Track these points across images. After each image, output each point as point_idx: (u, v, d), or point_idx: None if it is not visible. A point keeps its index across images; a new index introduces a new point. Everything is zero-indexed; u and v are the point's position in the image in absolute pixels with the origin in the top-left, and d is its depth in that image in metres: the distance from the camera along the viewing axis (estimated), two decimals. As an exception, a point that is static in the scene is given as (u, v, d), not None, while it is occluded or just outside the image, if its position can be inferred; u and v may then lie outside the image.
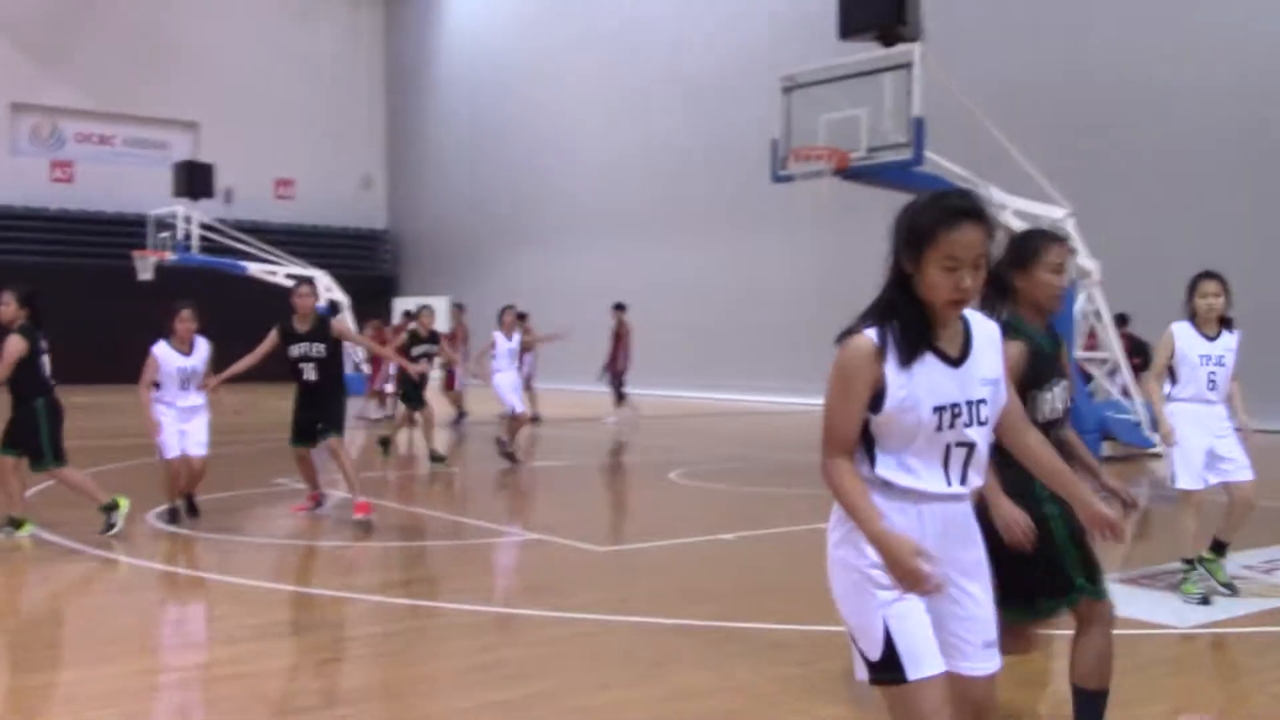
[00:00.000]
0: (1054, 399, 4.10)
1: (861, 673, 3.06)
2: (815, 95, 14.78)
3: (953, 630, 3.05)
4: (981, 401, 2.97)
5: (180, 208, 28.33)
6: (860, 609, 2.98)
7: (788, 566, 8.19)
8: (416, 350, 14.92)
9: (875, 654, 2.98)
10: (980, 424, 2.98)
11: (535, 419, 19.64)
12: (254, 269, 27.48)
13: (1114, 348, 16.01)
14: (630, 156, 30.93)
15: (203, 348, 9.74)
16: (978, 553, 3.11)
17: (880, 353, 2.90)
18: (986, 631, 3.11)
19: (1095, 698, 4.17)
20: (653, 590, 7.41)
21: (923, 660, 2.94)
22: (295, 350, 9.69)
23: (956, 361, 2.95)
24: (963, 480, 3.01)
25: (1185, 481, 6.92)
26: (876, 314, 2.97)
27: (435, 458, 14.06)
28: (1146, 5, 20.52)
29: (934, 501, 2.99)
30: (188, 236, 28.18)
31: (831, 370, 2.95)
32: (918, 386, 2.90)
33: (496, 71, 36.46)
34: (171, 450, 9.53)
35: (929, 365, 2.93)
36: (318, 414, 9.78)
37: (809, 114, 14.73)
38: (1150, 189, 19.90)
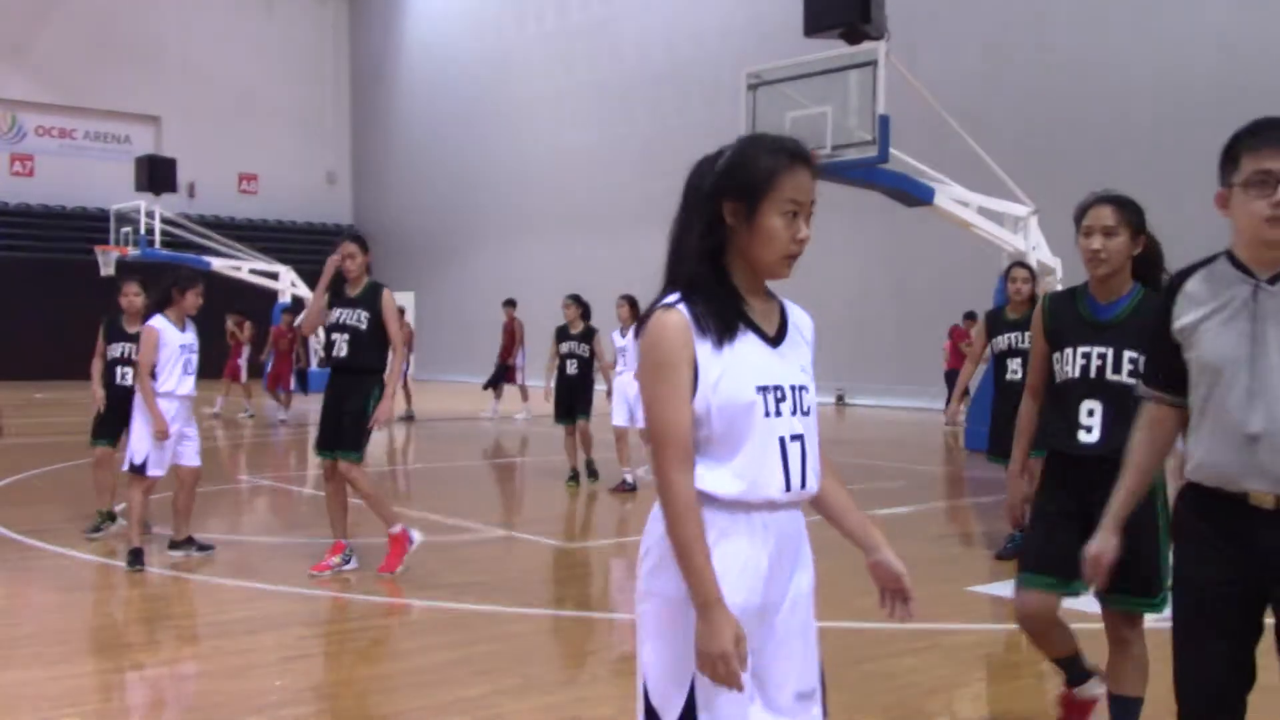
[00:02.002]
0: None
1: None
2: (781, 93, 14.82)
3: (766, 671, 2.53)
4: (803, 389, 2.55)
5: (142, 202, 28.06)
6: (669, 655, 2.46)
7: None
8: (563, 348, 12.24)
9: (672, 713, 2.46)
10: (805, 414, 2.54)
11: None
12: (217, 264, 27.26)
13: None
14: (594, 153, 30.94)
15: (192, 329, 8.36)
16: (810, 576, 2.64)
17: (691, 330, 2.45)
18: (804, 679, 2.61)
19: (1136, 704, 4.12)
20: (624, 586, 7.42)
21: None
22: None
23: (774, 340, 2.55)
24: (803, 483, 2.53)
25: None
26: (680, 287, 2.52)
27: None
28: (1110, 2, 20.70)
29: (769, 511, 2.50)
30: (150, 231, 27.93)
31: (641, 360, 2.49)
32: (737, 364, 2.46)
33: (462, 67, 36.35)
34: (156, 466, 8.04)
35: (747, 341, 2.50)
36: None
37: (774, 111, 14.76)
38: (1114, 186, 20.02)
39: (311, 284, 27.96)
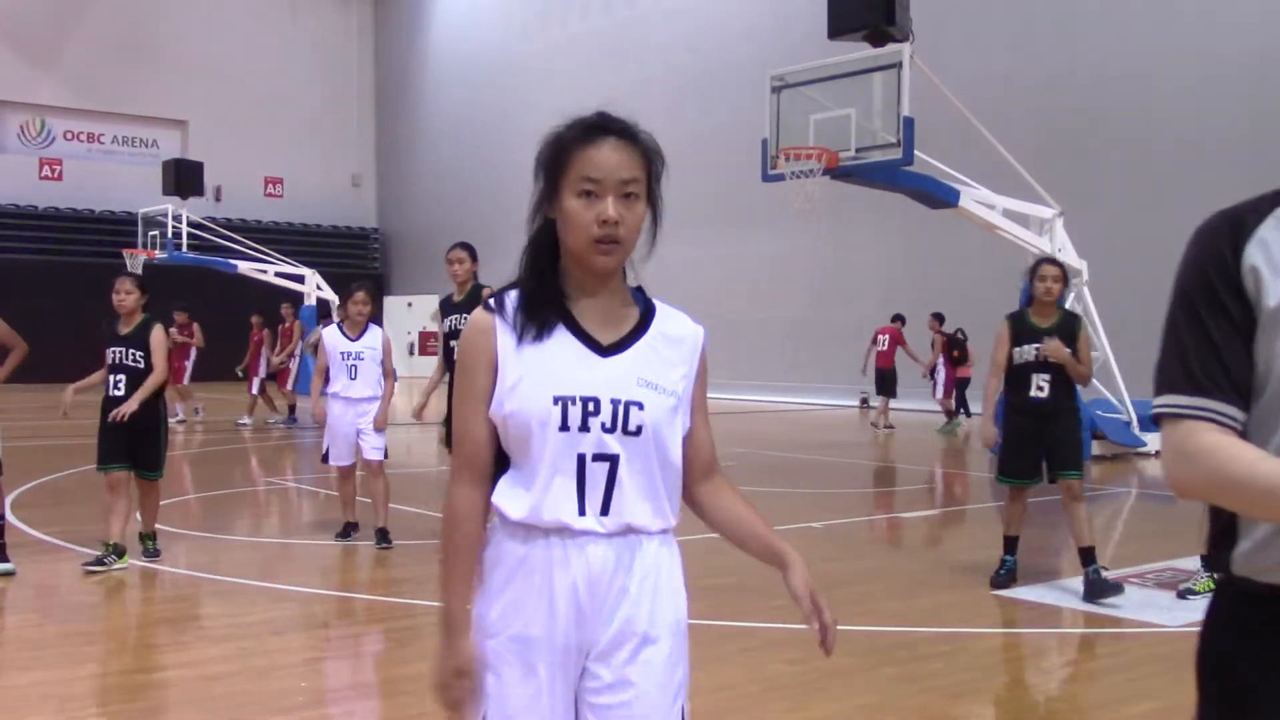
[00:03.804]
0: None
1: None
2: (805, 95, 14.81)
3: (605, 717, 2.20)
4: (635, 404, 2.17)
5: (169, 206, 28.22)
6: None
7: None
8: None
9: None
10: (628, 433, 2.16)
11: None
12: (244, 267, 27.39)
13: (1104, 347, 16.05)
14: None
15: (375, 335, 8.87)
16: (666, 614, 2.23)
17: (495, 324, 2.21)
18: None
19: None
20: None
21: None
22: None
23: (606, 348, 2.21)
24: (604, 510, 2.16)
25: None
26: (519, 282, 2.29)
27: None
28: (1134, 2, 20.58)
29: (569, 538, 2.17)
30: (177, 234, 28.08)
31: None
32: (538, 370, 2.17)
33: (486, 70, 36.43)
34: (340, 456, 8.88)
35: (560, 344, 2.19)
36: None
37: (798, 114, 14.76)
38: (1140, 188, 19.94)
39: (336, 286, 28.10)
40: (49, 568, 7.94)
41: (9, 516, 8.30)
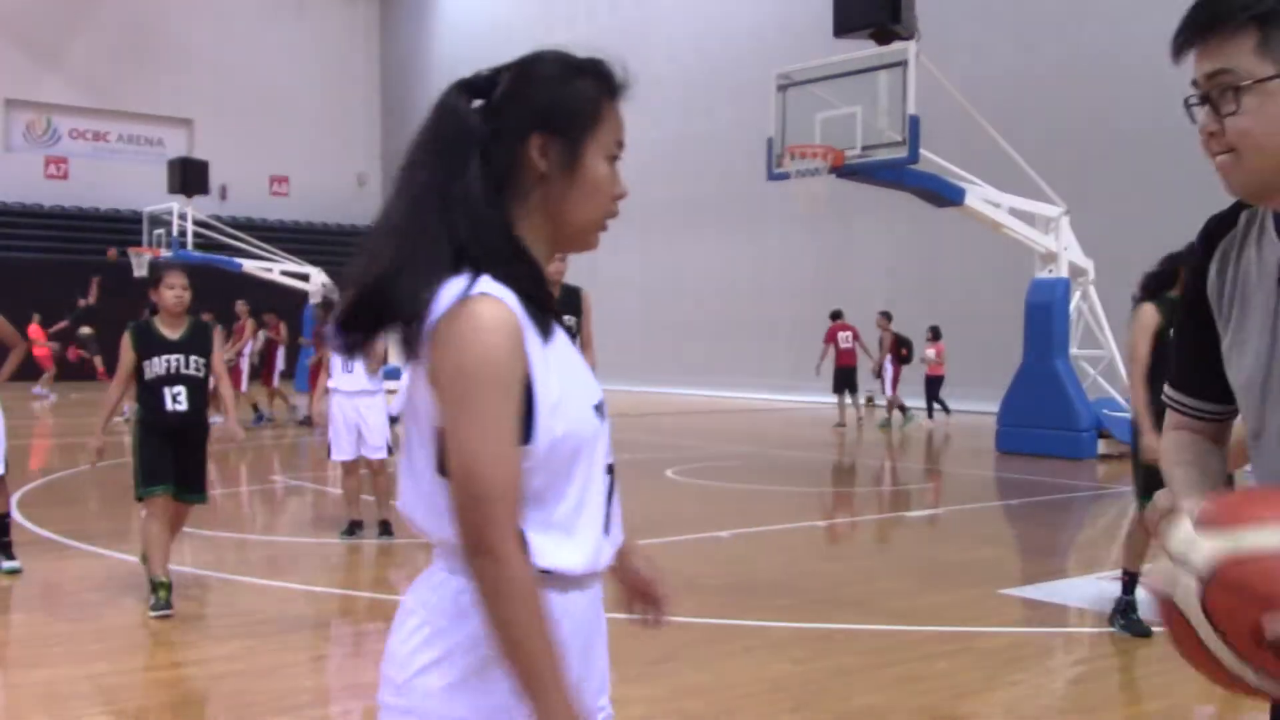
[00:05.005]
0: None
1: None
2: (810, 94, 14.81)
3: None
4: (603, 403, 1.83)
5: (175, 204, 28.27)
6: None
7: (784, 564, 8.19)
8: None
9: None
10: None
11: None
12: (249, 266, 27.42)
13: (1110, 345, 16.04)
14: (625, 154, 30.94)
15: None
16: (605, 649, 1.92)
17: (519, 323, 1.67)
18: None
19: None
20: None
21: None
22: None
23: (574, 335, 1.82)
24: (608, 533, 1.82)
25: None
26: (492, 262, 1.70)
27: None
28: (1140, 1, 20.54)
29: (590, 584, 1.80)
30: (182, 233, 28.12)
31: (447, 372, 1.64)
32: (565, 373, 1.74)
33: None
34: (342, 451, 8.83)
35: (563, 341, 1.78)
36: None
37: (804, 112, 14.76)
38: (1146, 186, 19.90)
39: (342, 286, 28.15)
40: (55, 565, 7.96)
41: (14, 514, 8.31)
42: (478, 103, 1.79)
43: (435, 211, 1.70)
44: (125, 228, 32.43)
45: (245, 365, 20.18)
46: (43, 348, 25.26)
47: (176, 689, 5.46)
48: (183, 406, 6.51)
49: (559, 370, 1.71)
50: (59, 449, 15.54)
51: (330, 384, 8.92)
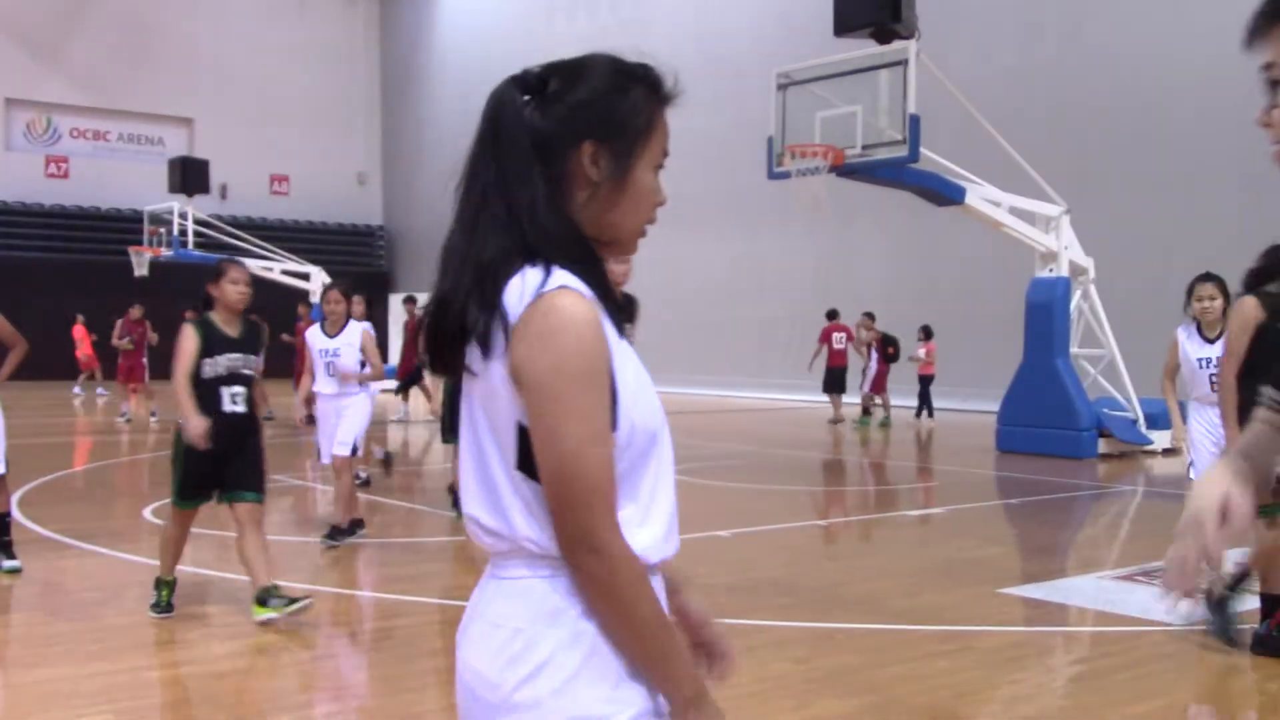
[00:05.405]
0: None
1: None
2: (810, 93, 14.81)
3: None
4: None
5: (175, 203, 28.26)
6: None
7: (784, 564, 8.19)
8: None
9: None
10: None
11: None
12: (250, 265, 27.40)
13: (1110, 345, 16.03)
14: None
15: (354, 331, 8.87)
16: None
17: (601, 316, 1.69)
18: None
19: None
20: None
21: None
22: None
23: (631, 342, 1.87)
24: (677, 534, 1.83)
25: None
26: (565, 260, 1.71)
27: None
28: (1141, 1, 20.54)
29: (656, 573, 1.79)
30: (183, 232, 28.12)
31: (540, 369, 1.63)
32: (635, 365, 1.76)
33: (492, 67, 36.14)
34: (323, 453, 9.10)
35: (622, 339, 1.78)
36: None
37: (804, 110, 14.75)
38: (1147, 186, 19.90)
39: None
40: (55, 564, 7.96)
41: (15, 514, 8.31)
42: (527, 98, 1.81)
43: (503, 214, 1.74)
44: (126, 227, 32.43)
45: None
46: (88, 349, 26.49)
47: (176, 689, 5.46)
48: (241, 408, 6.35)
49: (630, 361, 1.73)
50: (56, 449, 15.53)
51: (316, 387, 9.04)
